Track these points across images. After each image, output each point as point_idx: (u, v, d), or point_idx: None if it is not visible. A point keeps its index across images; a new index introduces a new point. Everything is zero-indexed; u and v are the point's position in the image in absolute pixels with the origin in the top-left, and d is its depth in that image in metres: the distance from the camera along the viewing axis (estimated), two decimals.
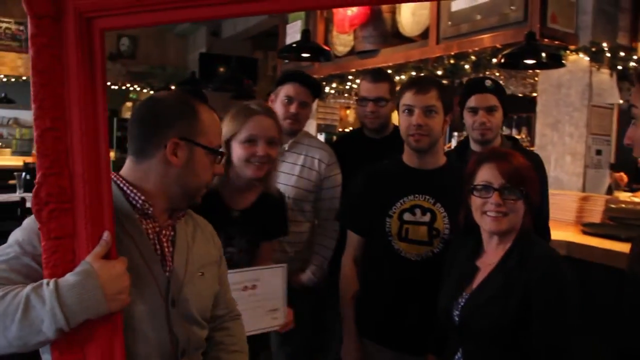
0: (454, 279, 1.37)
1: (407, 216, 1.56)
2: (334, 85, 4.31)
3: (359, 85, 2.30)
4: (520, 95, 3.34)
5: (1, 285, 0.87)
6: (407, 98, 1.55)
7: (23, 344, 0.86)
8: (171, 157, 1.03)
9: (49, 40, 0.87)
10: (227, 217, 1.56)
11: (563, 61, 2.52)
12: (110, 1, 0.87)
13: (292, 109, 1.98)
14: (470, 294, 1.30)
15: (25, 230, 0.96)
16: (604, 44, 2.79)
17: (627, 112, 1.70)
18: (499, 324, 1.21)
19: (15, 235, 0.96)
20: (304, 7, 1.46)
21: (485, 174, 1.29)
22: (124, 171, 1.08)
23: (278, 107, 2.00)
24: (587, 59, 2.80)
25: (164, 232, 1.09)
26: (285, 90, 2.00)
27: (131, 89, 9.27)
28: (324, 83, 4.22)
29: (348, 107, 5.28)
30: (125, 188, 1.04)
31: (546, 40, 2.74)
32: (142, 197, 1.04)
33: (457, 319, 1.30)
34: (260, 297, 1.51)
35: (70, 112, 0.90)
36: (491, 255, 1.31)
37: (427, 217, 1.55)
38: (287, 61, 4.39)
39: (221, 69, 7.41)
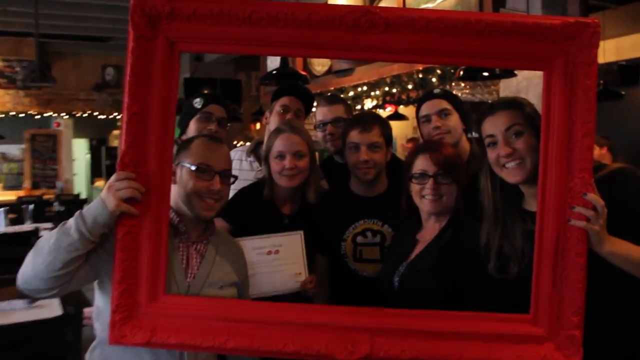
0: (395, 252, 1.60)
1: (359, 239, 1.78)
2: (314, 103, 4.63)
3: (314, 113, 2.33)
4: (488, 101, 3.77)
5: None
6: (353, 136, 1.76)
7: (56, 247, 1.18)
8: (176, 179, 1.37)
9: (143, 53, 1.22)
10: (280, 222, 1.80)
11: (515, 72, 2.83)
12: (189, 33, 1.23)
13: (289, 117, 2.05)
14: (410, 262, 1.52)
15: None
16: None
17: None
18: (434, 288, 1.43)
19: None
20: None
21: (421, 164, 1.52)
22: None
23: (274, 119, 2.08)
24: None
25: (195, 246, 1.41)
26: (281, 101, 2.11)
27: (118, 117, 9.36)
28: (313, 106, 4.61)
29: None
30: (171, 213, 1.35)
31: None
32: (177, 218, 1.40)
33: (397, 284, 1.52)
34: (283, 261, 1.66)
35: (151, 103, 1.22)
36: (429, 231, 1.55)
37: (377, 239, 1.78)
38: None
39: (205, 92, 7.88)
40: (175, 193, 1.38)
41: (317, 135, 2.23)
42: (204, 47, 1.28)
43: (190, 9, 1.20)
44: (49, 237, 1.23)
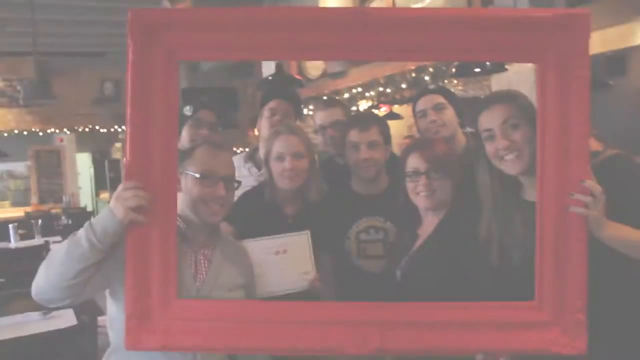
0: (397, 248, 1.64)
1: (363, 236, 1.83)
2: (311, 106, 4.59)
3: (312, 117, 2.33)
4: (481, 96, 3.79)
5: None
6: (353, 136, 1.81)
7: (68, 257, 1.22)
8: (181, 187, 1.40)
9: (142, 64, 1.21)
10: (285, 223, 1.79)
11: (506, 66, 2.93)
12: (188, 42, 1.25)
13: (277, 119, 2.06)
14: (411, 255, 1.57)
15: None
16: None
17: None
18: (435, 280, 1.45)
19: None
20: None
21: (413, 162, 1.57)
22: None
23: (263, 124, 2.10)
24: None
25: (202, 251, 1.44)
26: (269, 105, 2.12)
27: (119, 130, 9.63)
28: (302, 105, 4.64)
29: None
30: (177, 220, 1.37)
31: None
32: (184, 225, 1.42)
33: (399, 278, 1.56)
34: (291, 260, 1.67)
35: (153, 113, 1.24)
36: (428, 224, 1.59)
37: (381, 235, 1.82)
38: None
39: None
40: (181, 200, 1.40)
41: (317, 139, 2.24)
42: (203, 55, 1.31)
43: (188, 18, 1.23)
44: (60, 248, 1.26)
